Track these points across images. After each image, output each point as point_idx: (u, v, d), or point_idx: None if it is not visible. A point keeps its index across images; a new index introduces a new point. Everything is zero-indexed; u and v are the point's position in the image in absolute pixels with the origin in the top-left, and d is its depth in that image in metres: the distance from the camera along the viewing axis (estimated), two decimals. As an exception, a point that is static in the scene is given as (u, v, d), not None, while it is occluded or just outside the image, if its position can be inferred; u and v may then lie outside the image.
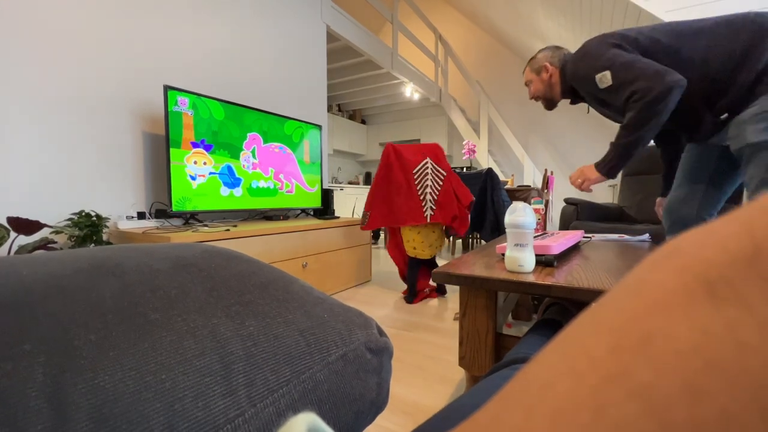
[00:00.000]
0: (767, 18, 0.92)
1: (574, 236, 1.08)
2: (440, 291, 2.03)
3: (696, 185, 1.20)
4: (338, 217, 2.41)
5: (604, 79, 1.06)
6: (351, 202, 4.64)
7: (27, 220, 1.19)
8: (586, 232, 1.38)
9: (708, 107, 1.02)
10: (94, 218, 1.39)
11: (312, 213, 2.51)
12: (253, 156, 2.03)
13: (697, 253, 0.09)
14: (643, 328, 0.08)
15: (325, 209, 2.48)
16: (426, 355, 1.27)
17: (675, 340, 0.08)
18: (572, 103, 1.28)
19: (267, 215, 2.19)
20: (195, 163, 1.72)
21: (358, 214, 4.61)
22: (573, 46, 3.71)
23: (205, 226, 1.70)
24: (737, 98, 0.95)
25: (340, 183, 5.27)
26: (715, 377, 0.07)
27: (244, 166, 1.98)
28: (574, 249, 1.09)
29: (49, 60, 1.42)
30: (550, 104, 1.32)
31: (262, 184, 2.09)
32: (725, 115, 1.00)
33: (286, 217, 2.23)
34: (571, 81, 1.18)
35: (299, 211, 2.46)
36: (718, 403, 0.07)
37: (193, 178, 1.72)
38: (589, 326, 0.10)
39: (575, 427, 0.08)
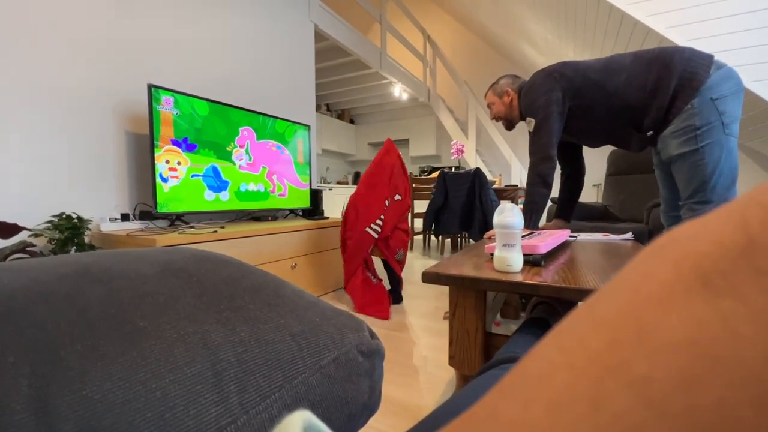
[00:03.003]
0: (667, 54, 1.15)
1: (560, 236, 1.10)
2: (395, 300, 1.86)
3: (671, 190, 1.36)
4: (327, 218, 2.39)
5: (530, 125, 1.32)
6: (340, 203, 4.62)
7: (4, 223, 1.15)
8: (571, 230, 1.41)
9: (633, 127, 1.25)
10: (75, 220, 1.35)
11: (301, 213, 2.49)
12: (247, 153, 1.99)
13: (692, 246, 0.09)
14: (640, 321, 0.09)
15: (314, 210, 2.47)
16: (416, 355, 1.28)
17: (670, 332, 0.08)
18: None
19: (255, 216, 2.16)
20: (167, 162, 1.60)
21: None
22: (557, 48, 3.77)
23: (192, 227, 1.67)
24: (657, 119, 1.18)
25: (328, 183, 5.24)
26: (709, 368, 0.07)
27: (239, 166, 1.94)
28: (561, 248, 1.11)
29: (28, 58, 1.37)
30: (509, 125, 1.52)
31: (252, 187, 2.05)
32: (650, 132, 1.23)
33: (274, 218, 2.21)
34: (521, 108, 1.42)
35: (288, 212, 2.44)
36: (713, 393, 0.07)
37: (165, 180, 1.60)
38: (586, 319, 0.10)
39: (573, 418, 0.08)
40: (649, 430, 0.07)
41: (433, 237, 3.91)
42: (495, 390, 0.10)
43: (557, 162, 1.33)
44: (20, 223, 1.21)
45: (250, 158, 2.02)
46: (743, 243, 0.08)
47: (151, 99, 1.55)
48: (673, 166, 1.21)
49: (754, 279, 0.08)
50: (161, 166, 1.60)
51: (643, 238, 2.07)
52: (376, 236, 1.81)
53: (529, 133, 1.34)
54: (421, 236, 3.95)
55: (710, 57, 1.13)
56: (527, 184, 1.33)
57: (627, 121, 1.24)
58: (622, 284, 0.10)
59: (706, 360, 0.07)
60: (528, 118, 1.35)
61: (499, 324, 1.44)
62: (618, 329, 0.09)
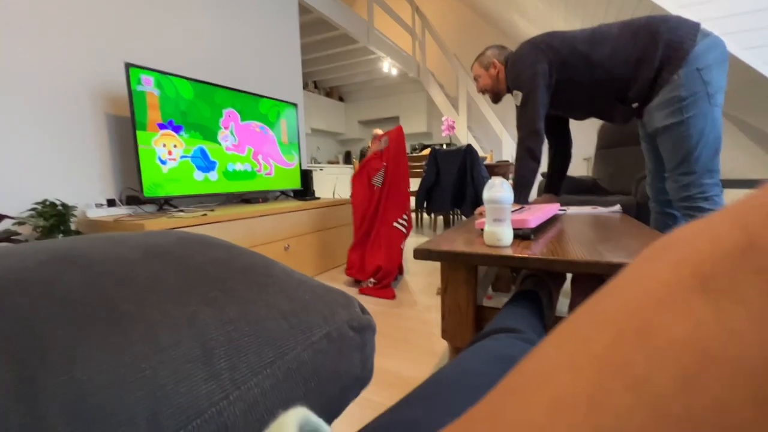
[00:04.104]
0: (654, 24, 1.13)
1: (550, 209, 1.11)
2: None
3: (656, 161, 1.37)
4: (319, 198, 2.38)
5: (517, 98, 1.30)
6: (331, 183, 4.58)
7: (-15, 212, 1.12)
8: (561, 204, 1.42)
9: (618, 99, 1.24)
10: (60, 207, 1.32)
11: (292, 195, 2.47)
12: (232, 134, 1.95)
13: (692, 247, 0.09)
14: (640, 322, 0.08)
15: (305, 190, 2.44)
16: (410, 330, 1.31)
17: (670, 333, 0.08)
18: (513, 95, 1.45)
19: (245, 198, 2.14)
20: (164, 146, 1.63)
21: (339, 194, 4.56)
22: (548, 17, 3.68)
23: (181, 211, 1.65)
24: (643, 91, 1.17)
25: (319, 163, 5.18)
26: (708, 368, 0.07)
27: (225, 148, 1.91)
28: (551, 222, 1.12)
29: (1, 40, 1.29)
30: (496, 97, 1.48)
31: (239, 166, 2.02)
32: (636, 104, 1.22)
33: (265, 200, 2.19)
34: (507, 80, 1.38)
35: (278, 193, 2.42)
36: (712, 393, 0.07)
37: (163, 162, 1.63)
38: (588, 319, 0.10)
39: (574, 418, 0.08)
40: (649, 431, 0.07)
41: (425, 215, 3.93)
42: (497, 388, 0.10)
43: (545, 136, 1.32)
44: (3, 212, 1.19)
45: (235, 139, 1.98)
46: (743, 244, 0.08)
47: (129, 78, 1.49)
48: (659, 138, 1.21)
49: (753, 280, 0.08)
50: (159, 150, 1.60)
51: (632, 210, 2.10)
52: (405, 231, 1.82)
53: (516, 106, 1.33)
54: (413, 214, 3.96)
55: (697, 25, 1.11)
56: (516, 159, 1.32)
57: (612, 93, 1.24)
58: (623, 285, 0.10)
59: (705, 360, 0.07)
60: (515, 92, 1.32)
61: (490, 297, 1.48)
62: (618, 330, 0.09)
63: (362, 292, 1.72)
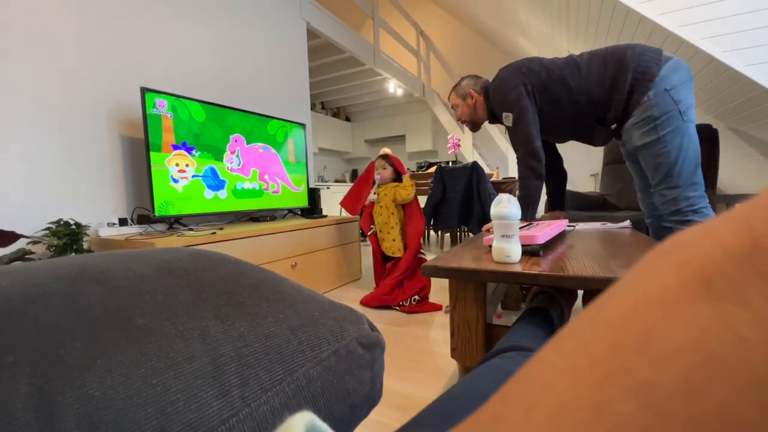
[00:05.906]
0: (620, 50, 1.20)
1: (558, 226, 1.10)
2: None
3: (644, 178, 1.40)
4: (326, 216, 2.39)
5: (508, 119, 1.34)
6: (338, 201, 4.62)
7: (2, 231, 1.15)
8: (570, 220, 1.41)
9: (597, 121, 1.30)
10: (74, 226, 1.35)
11: (299, 213, 2.49)
12: (237, 158, 2.00)
13: (696, 250, 0.09)
14: (643, 326, 0.08)
15: (312, 209, 2.47)
16: (418, 349, 1.28)
17: (674, 337, 0.08)
18: (491, 122, 1.47)
19: (253, 217, 2.16)
20: (176, 165, 1.68)
21: (346, 212, 4.58)
22: (551, 39, 3.76)
23: (190, 230, 1.67)
24: (618, 112, 1.24)
25: (326, 182, 5.23)
26: (713, 373, 0.07)
27: (228, 168, 1.94)
28: (559, 238, 1.11)
29: (21, 63, 1.36)
30: (474, 126, 1.51)
31: (247, 185, 2.05)
32: (614, 125, 1.28)
33: (273, 218, 2.21)
34: (492, 107, 1.41)
35: (286, 212, 2.44)
36: (717, 399, 0.07)
37: (176, 181, 1.68)
38: (590, 324, 0.10)
39: (575, 423, 0.08)
40: None
41: (432, 232, 3.91)
42: (498, 395, 0.10)
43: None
44: (18, 231, 1.21)
45: (240, 162, 2.02)
46: (748, 247, 0.08)
47: (144, 102, 1.55)
48: (639, 156, 1.25)
49: (758, 284, 0.08)
50: (172, 169, 1.66)
51: (641, 226, 2.07)
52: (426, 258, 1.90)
53: (507, 128, 1.36)
54: (420, 232, 3.95)
55: (659, 51, 1.19)
56: (519, 178, 1.34)
57: (592, 115, 1.28)
58: (625, 289, 0.10)
59: (710, 365, 0.07)
60: (504, 114, 1.35)
61: (500, 316, 1.45)
62: (621, 334, 0.09)
63: (408, 310, 1.72)
